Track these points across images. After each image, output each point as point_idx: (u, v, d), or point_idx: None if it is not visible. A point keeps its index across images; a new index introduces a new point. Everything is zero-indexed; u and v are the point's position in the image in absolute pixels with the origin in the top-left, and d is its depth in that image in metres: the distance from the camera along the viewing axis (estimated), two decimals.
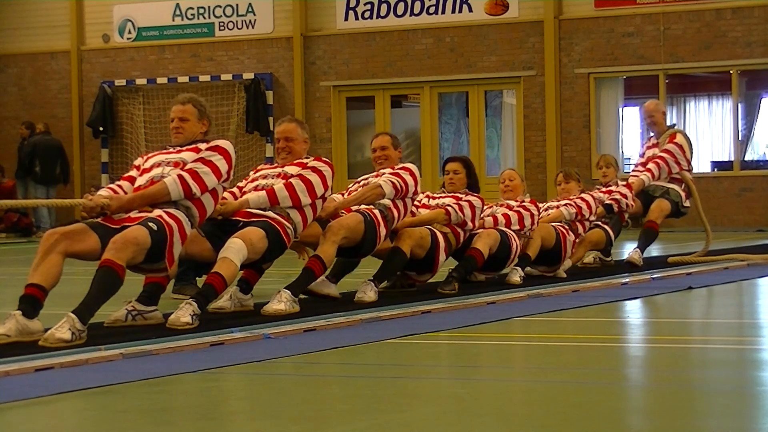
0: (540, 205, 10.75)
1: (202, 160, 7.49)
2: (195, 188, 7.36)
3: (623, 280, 10.59)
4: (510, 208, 10.19)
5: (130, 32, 24.89)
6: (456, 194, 9.62)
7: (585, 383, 5.59)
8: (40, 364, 5.93)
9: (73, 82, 25.26)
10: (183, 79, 24.24)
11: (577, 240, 10.96)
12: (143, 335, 6.84)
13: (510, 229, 9.98)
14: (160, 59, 24.71)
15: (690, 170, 12.29)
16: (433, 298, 8.78)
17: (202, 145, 7.62)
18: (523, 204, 10.25)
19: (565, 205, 10.93)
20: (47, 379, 5.69)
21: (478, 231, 9.68)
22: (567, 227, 10.72)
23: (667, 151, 12.08)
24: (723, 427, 4.55)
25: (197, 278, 8.91)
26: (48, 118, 25.18)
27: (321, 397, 5.30)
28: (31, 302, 6.70)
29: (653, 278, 10.67)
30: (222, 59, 24.22)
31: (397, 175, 8.83)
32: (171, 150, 7.69)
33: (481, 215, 9.84)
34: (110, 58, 25.08)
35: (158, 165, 7.55)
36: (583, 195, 11.17)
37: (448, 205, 9.38)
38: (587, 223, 11.13)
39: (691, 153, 12.30)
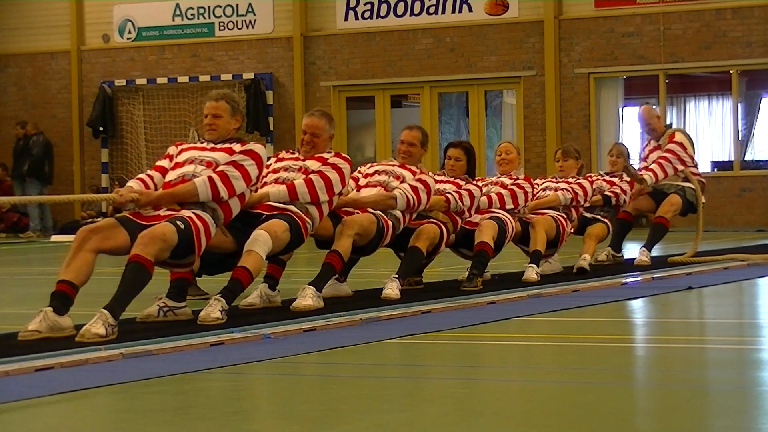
0: (536, 182, 10.93)
1: (234, 163, 7.59)
2: (223, 192, 7.48)
3: (623, 280, 10.59)
4: (504, 186, 10.31)
5: (130, 32, 24.89)
6: (457, 181, 9.73)
7: (585, 383, 5.58)
8: (40, 364, 5.93)
9: (73, 82, 25.26)
10: (183, 79, 24.23)
11: (572, 227, 11.15)
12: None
13: (504, 209, 10.10)
14: (160, 59, 24.71)
15: (696, 166, 12.35)
16: (433, 298, 8.79)
17: (237, 147, 7.72)
18: (517, 182, 10.37)
19: (563, 190, 11.03)
20: (47, 379, 5.68)
21: (475, 224, 9.79)
22: (565, 215, 10.88)
23: (668, 151, 12.11)
24: (723, 427, 4.55)
25: (197, 278, 8.92)
26: (48, 118, 25.20)
27: (321, 397, 5.30)
28: (62, 298, 6.81)
29: (653, 278, 10.67)
30: (222, 59, 24.22)
31: (415, 190, 8.97)
32: (205, 146, 7.78)
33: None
34: (110, 58, 25.08)
35: (191, 161, 7.64)
36: (580, 181, 11.29)
37: (449, 193, 9.50)
38: (581, 209, 11.25)
39: (693, 149, 12.33)
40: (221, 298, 7.43)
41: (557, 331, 7.68)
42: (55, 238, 21.87)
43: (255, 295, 8.21)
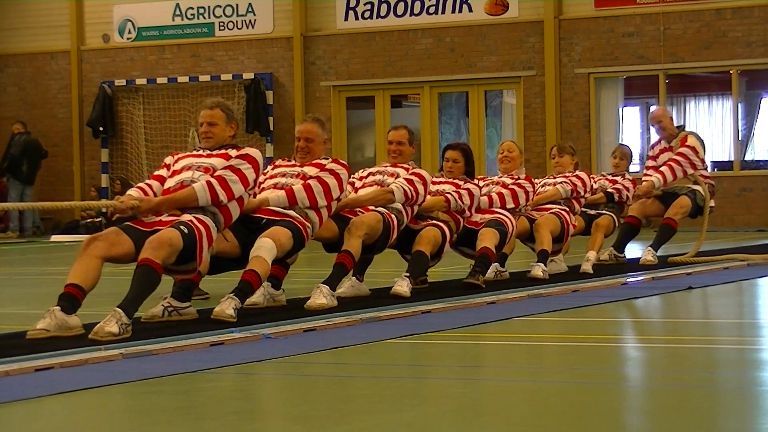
0: (536, 181, 10.97)
1: (231, 168, 7.69)
2: (222, 196, 7.56)
3: (624, 280, 10.60)
4: (505, 186, 10.34)
5: (130, 32, 24.89)
6: (455, 181, 9.78)
7: (585, 383, 5.59)
8: (40, 364, 5.94)
9: (73, 82, 25.25)
10: (183, 79, 24.23)
11: (576, 222, 11.21)
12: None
13: (504, 208, 10.14)
14: (160, 59, 24.71)
15: (705, 169, 12.44)
16: (433, 298, 8.80)
17: (232, 152, 7.82)
18: (518, 182, 10.41)
19: (561, 183, 11.08)
20: (47, 379, 5.69)
21: (476, 223, 9.82)
22: (567, 209, 10.92)
23: (680, 154, 12.17)
24: (723, 427, 4.55)
25: None
26: (48, 118, 25.20)
27: (321, 397, 5.30)
28: (70, 299, 6.88)
29: (654, 278, 10.67)
30: (222, 59, 24.22)
31: (411, 183, 9.07)
32: (201, 153, 7.88)
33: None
34: (110, 58, 25.08)
35: (188, 168, 7.75)
36: (578, 173, 11.40)
37: (448, 193, 9.56)
38: (582, 200, 11.29)
39: (704, 152, 12.41)
40: (235, 297, 7.50)
41: (558, 331, 7.69)
42: (55, 238, 21.89)
43: (258, 293, 8.21)
